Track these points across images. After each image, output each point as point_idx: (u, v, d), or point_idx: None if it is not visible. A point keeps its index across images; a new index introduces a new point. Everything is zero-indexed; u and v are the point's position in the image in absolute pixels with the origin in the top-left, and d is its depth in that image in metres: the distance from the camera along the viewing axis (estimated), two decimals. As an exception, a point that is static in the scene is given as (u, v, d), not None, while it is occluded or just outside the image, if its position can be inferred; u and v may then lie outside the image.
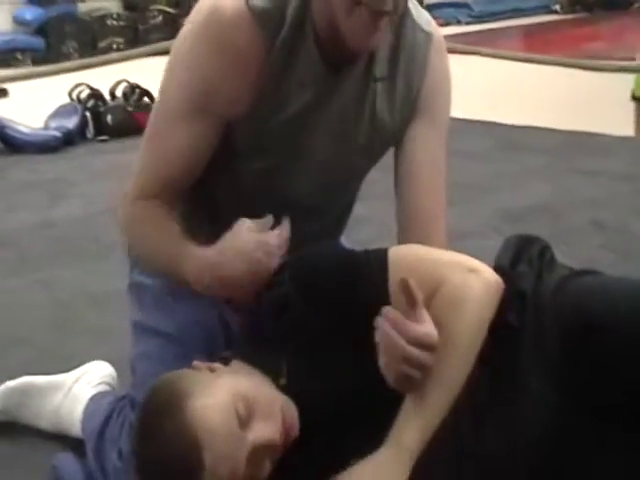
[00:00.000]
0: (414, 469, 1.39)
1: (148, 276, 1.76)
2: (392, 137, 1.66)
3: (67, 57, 9.17)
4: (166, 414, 1.29)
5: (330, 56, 1.52)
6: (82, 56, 9.07)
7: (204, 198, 1.67)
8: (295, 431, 1.36)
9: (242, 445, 1.28)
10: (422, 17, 1.63)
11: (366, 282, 1.48)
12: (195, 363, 1.39)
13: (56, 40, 9.62)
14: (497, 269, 1.62)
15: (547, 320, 1.51)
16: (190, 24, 1.54)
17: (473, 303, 1.45)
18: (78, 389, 1.92)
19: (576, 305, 1.51)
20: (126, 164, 4.39)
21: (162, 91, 1.60)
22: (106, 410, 1.77)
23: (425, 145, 1.65)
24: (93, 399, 1.85)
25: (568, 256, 1.73)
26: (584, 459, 1.45)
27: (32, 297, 2.77)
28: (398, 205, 1.70)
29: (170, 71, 1.58)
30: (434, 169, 1.67)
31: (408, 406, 1.41)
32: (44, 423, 1.94)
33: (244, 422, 1.29)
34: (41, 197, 3.94)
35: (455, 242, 2.53)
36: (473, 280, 1.46)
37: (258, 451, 1.30)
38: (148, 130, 1.61)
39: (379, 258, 1.51)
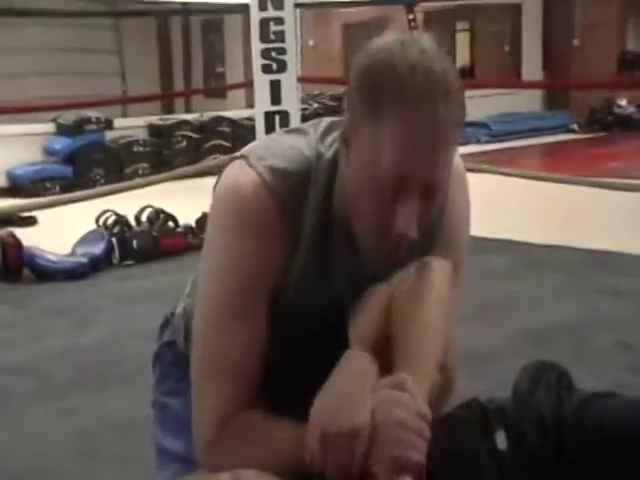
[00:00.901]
0: None
1: (173, 397, 1.75)
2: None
3: (94, 183, 9.40)
4: None
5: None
6: (108, 182, 9.29)
7: None
8: None
9: None
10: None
11: None
12: None
13: (84, 168, 9.98)
14: (515, 393, 1.63)
15: (569, 442, 1.51)
16: (215, 216, 1.51)
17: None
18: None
19: (599, 427, 1.51)
20: (150, 288, 4.48)
21: (206, 296, 1.51)
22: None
23: None
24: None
25: (594, 379, 1.72)
26: None
27: (54, 426, 2.77)
28: None
29: (209, 272, 1.52)
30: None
31: None
32: None
33: None
34: (67, 324, 3.98)
35: (479, 363, 2.53)
36: None
37: None
38: (205, 346, 1.50)
39: None
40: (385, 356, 1.53)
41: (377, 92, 1.36)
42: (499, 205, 5.81)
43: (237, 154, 1.52)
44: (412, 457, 1.34)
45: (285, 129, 1.61)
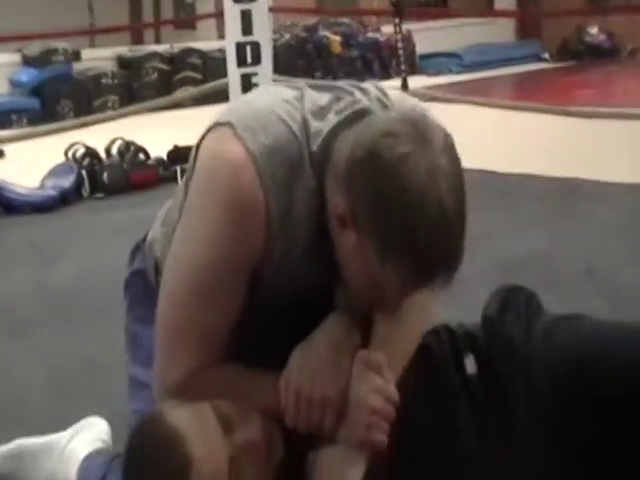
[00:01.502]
0: None
1: (143, 324, 1.77)
2: None
3: (62, 116, 9.26)
4: (149, 428, 1.42)
5: None
6: (77, 115, 9.16)
7: None
8: (277, 446, 1.46)
9: (225, 446, 1.38)
10: None
11: None
12: None
13: (51, 100, 9.73)
14: (485, 319, 1.65)
15: (537, 366, 1.53)
16: (199, 185, 1.49)
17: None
18: (72, 448, 1.92)
19: (565, 349, 1.53)
20: (121, 221, 4.45)
21: (179, 266, 1.52)
22: (100, 471, 1.77)
23: None
24: (87, 459, 1.86)
25: (561, 304, 1.75)
26: None
27: (26, 361, 2.78)
28: None
29: (184, 241, 1.52)
30: None
31: None
32: (41, 488, 1.93)
33: (226, 427, 1.40)
34: (37, 257, 3.96)
35: (450, 292, 2.55)
36: None
37: (241, 454, 1.39)
38: (175, 315, 1.51)
39: None
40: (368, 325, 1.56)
41: (397, 236, 1.34)
42: (471, 135, 5.79)
43: (223, 119, 1.47)
44: (378, 439, 1.44)
45: (268, 94, 1.55)
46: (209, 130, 1.49)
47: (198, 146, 1.51)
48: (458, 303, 2.28)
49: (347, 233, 1.39)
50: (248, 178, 1.41)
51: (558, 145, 5.80)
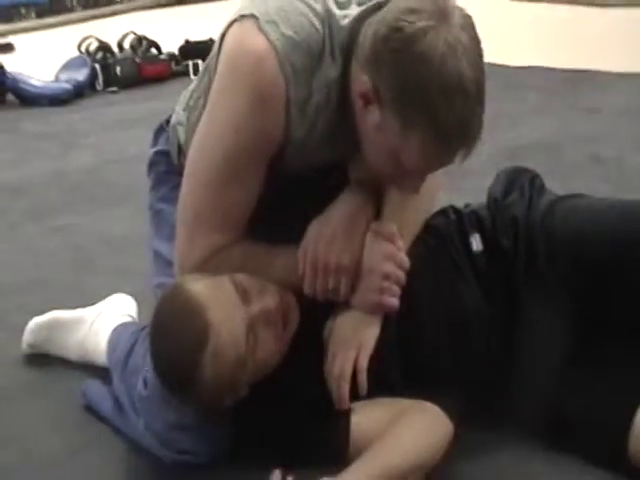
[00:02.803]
0: None
1: (166, 203, 1.86)
2: None
3: (71, 9, 9.14)
4: (172, 300, 1.54)
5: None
6: (85, 8, 9.05)
7: None
8: (294, 315, 1.57)
9: (242, 313, 1.49)
10: None
11: None
12: None
13: None
14: (490, 199, 1.74)
15: (538, 241, 1.63)
16: (224, 76, 1.56)
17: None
18: (101, 321, 2.03)
19: (564, 225, 1.63)
20: (135, 113, 4.50)
21: (204, 149, 1.60)
22: (129, 340, 1.87)
23: None
24: (116, 330, 1.97)
25: (567, 189, 1.82)
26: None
27: (49, 242, 2.87)
28: None
29: (209, 126, 1.59)
30: None
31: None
32: (71, 355, 2.05)
33: (244, 296, 1.50)
34: (54, 147, 4.02)
35: (459, 181, 2.63)
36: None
37: (258, 320, 1.50)
38: (199, 194, 1.61)
39: None
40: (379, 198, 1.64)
41: (418, 104, 1.39)
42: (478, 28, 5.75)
43: (246, 11, 1.53)
44: (390, 303, 1.56)
45: None
46: (234, 21, 1.55)
47: (223, 36, 1.58)
48: (466, 191, 2.34)
49: (371, 110, 1.45)
50: (269, 68, 1.48)
51: (566, 37, 5.77)
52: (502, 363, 1.63)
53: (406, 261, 1.58)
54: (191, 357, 1.47)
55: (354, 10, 1.52)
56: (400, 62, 1.39)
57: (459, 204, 1.80)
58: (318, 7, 1.52)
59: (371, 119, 1.46)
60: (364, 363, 1.54)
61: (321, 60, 1.50)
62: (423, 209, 1.71)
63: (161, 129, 1.95)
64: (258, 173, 1.58)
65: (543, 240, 1.63)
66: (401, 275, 1.57)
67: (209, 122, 1.60)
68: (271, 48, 1.48)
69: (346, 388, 1.54)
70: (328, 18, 1.51)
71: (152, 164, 1.97)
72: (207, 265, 1.60)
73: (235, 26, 1.55)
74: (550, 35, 5.81)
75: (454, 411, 1.57)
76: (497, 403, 1.64)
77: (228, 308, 1.49)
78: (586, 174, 3.09)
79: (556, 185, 1.85)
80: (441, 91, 1.37)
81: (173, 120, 1.86)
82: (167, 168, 1.91)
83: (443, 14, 1.39)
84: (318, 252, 1.55)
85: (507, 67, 4.96)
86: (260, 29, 1.49)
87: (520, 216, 1.68)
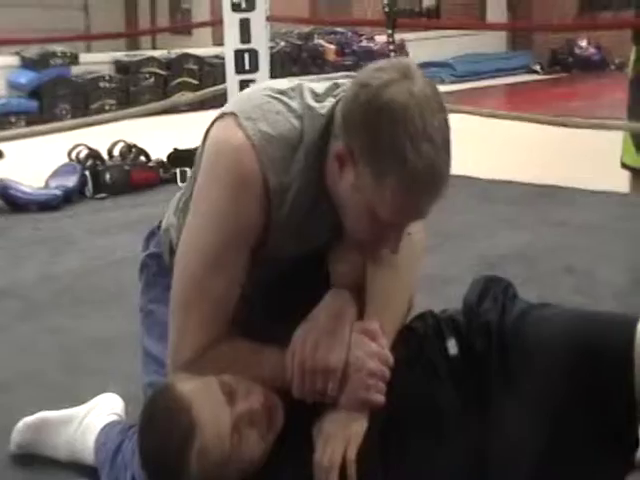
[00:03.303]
0: None
1: (158, 304, 1.94)
2: None
3: (60, 119, 9.33)
4: (160, 398, 1.59)
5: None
6: (74, 118, 9.22)
7: None
8: (278, 416, 1.62)
9: (227, 413, 1.55)
10: None
11: None
12: None
13: (49, 103, 9.89)
14: (465, 305, 1.82)
15: (510, 346, 1.71)
16: (206, 168, 1.66)
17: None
18: (89, 421, 2.07)
19: (534, 333, 1.71)
20: (123, 220, 4.61)
21: (190, 240, 1.69)
22: (117, 438, 1.92)
23: None
24: (104, 429, 2.02)
25: (542, 299, 1.89)
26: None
27: (39, 342, 2.94)
28: None
29: (194, 218, 1.69)
30: None
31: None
32: (60, 454, 2.10)
33: (229, 397, 1.56)
34: (45, 252, 4.13)
35: (439, 288, 2.72)
36: None
37: (243, 420, 1.56)
38: (187, 286, 1.67)
39: None
40: (361, 298, 1.73)
41: (387, 152, 1.46)
42: (459, 143, 5.98)
43: (228, 109, 1.66)
44: (377, 399, 1.62)
45: (268, 88, 1.69)
46: (216, 119, 1.68)
47: (207, 133, 1.70)
48: (443, 298, 2.44)
49: (346, 172, 1.54)
50: (247, 158, 1.59)
51: (540, 153, 6.00)
52: (474, 463, 1.67)
53: (390, 358, 1.65)
54: (178, 454, 1.53)
55: (331, 100, 1.63)
56: (369, 114, 1.48)
57: (437, 307, 1.88)
58: (294, 104, 1.63)
59: (346, 180, 1.54)
60: (352, 455, 1.59)
61: (298, 150, 1.61)
62: (404, 299, 1.78)
63: (152, 234, 2.04)
64: (241, 261, 1.66)
65: (515, 346, 1.71)
66: (386, 371, 1.64)
67: (194, 214, 1.70)
68: (249, 142, 1.59)
69: (335, 474, 1.58)
70: (307, 110, 1.62)
71: (143, 267, 2.05)
72: (198, 363, 1.66)
73: (217, 123, 1.67)
74: (523, 152, 6.05)
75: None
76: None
77: (214, 408, 1.55)
78: (560, 285, 3.20)
79: (532, 295, 1.92)
80: (408, 138, 1.45)
81: (164, 224, 1.96)
82: (158, 270, 1.99)
83: (407, 71, 1.50)
84: (305, 355, 1.61)
85: (484, 180, 5.18)
86: (239, 125, 1.61)
87: (493, 322, 1.75)
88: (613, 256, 3.65)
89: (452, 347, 1.76)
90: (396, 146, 1.45)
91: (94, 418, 2.09)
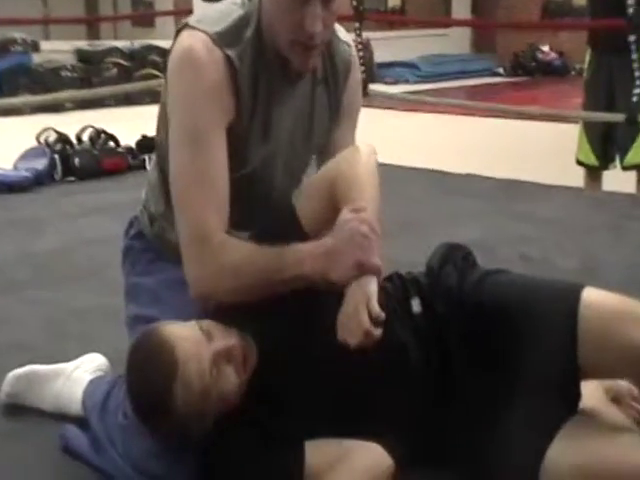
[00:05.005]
0: None
1: (145, 276, 2.11)
2: (328, 127, 2.06)
3: (20, 108, 9.11)
4: (146, 339, 1.76)
5: (285, 68, 1.90)
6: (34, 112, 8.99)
7: None
8: (252, 355, 1.78)
9: (206, 348, 1.72)
10: (342, 31, 2.04)
11: None
12: None
13: (9, 92, 9.64)
14: (428, 269, 1.99)
15: (468, 307, 1.88)
16: (173, 73, 1.88)
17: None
18: (77, 375, 2.22)
19: (490, 295, 1.89)
20: (93, 203, 4.71)
21: (178, 130, 1.86)
22: (107, 386, 2.08)
23: (345, 144, 2.04)
24: (92, 382, 2.16)
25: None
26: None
27: (21, 313, 3.06)
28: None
29: (174, 114, 1.88)
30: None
31: None
32: (46, 405, 2.23)
33: (208, 337, 1.73)
34: (19, 232, 4.23)
35: (405, 269, 2.90)
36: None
37: (220, 356, 1.72)
38: (181, 166, 1.86)
39: None
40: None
41: None
42: (426, 139, 6.17)
43: (179, 27, 1.89)
44: (374, 260, 1.75)
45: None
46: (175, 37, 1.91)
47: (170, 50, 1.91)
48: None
49: None
50: (210, 49, 1.82)
51: (502, 148, 6.19)
52: (434, 418, 1.84)
53: (377, 225, 1.78)
54: (164, 388, 1.69)
55: None
56: None
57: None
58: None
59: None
60: (375, 303, 1.71)
61: (249, 28, 1.87)
62: (374, 182, 1.93)
63: (131, 224, 2.22)
64: (219, 144, 1.84)
65: (471, 307, 1.88)
66: (377, 236, 1.76)
67: (172, 110, 1.88)
68: (207, 36, 1.83)
69: (365, 312, 1.70)
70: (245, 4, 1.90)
71: (127, 251, 2.21)
72: (224, 247, 1.82)
73: (176, 41, 1.89)
74: (488, 147, 6.25)
75: (396, 451, 1.79)
76: (432, 452, 1.85)
77: (194, 345, 1.72)
78: (516, 271, 3.35)
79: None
80: None
81: (142, 200, 2.16)
82: (142, 247, 2.16)
83: None
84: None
85: (447, 173, 5.38)
86: (194, 28, 1.86)
87: (454, 285, 1.92)
88: (566, 246, 3.84)
89: (416, 305, 1.92)
90: None
91: (82, 373, 2.23)
